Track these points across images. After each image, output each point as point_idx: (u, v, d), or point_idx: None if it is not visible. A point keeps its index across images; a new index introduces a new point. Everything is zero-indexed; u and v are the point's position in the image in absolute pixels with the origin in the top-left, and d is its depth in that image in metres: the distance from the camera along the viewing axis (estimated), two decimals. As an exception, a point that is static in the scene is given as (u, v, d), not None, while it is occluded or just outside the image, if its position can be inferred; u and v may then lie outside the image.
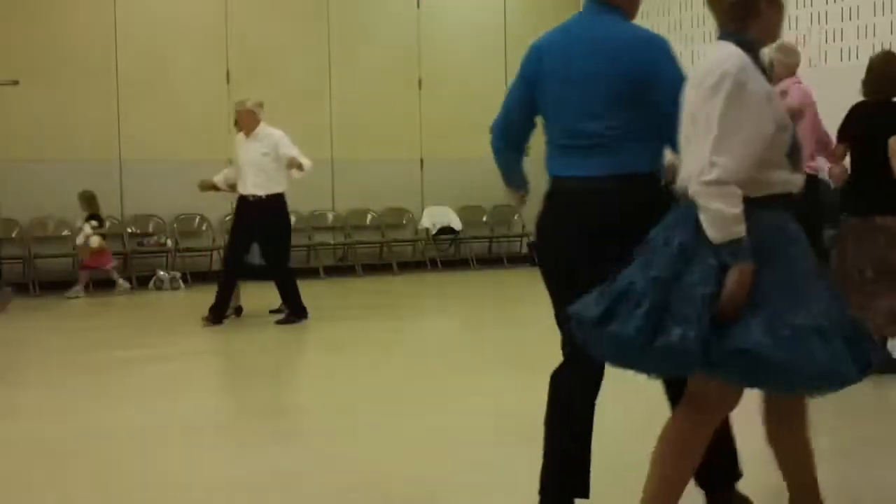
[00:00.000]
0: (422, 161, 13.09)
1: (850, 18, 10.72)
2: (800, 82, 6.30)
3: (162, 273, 11.05)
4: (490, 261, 13.29)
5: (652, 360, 2.55)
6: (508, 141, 3.28)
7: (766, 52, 5.81)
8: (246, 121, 8.17)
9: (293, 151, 8.07)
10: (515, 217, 13.56)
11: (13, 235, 10.89)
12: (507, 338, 7.47)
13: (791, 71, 6.29)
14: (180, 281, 11.08)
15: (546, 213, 3.10)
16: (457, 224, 12.97)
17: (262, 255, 8.31)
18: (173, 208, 11.40)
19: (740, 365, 2.44)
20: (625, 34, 2.99)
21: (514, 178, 3.38)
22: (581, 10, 3.18)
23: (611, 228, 2.90)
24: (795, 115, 5.05)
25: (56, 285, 10.59)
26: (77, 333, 8.05)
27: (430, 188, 13.09)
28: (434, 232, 12.89)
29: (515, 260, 13.35)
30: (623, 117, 2.92)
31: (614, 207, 2.92)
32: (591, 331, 2.62)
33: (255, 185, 8.04)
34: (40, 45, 10.83)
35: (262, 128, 8.16)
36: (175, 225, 11.60)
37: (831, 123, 5.97)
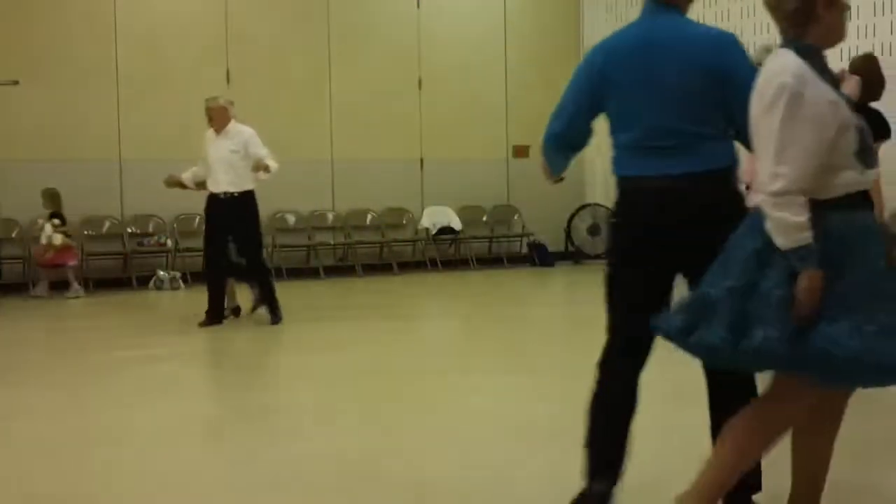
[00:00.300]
0: (422, 161, 13.09)
1: (850, 18, 10.71)
2: None
3: (162, 273, 11.06)
4: (490, 261, 13.30)
5: (743, 361, 2.64)
6: (566, 145, 3.28)
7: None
8: (218, 118, 8.12)
9: (262, 151, 8.01)
10: (515, 217, 13.58)
11: (13, 235, 10.89)
12: (508, 338, 7.47)
13: None
14: (180, 281, 11.08)
15: (619, 213, 3.13)
16: (457, 224, 12.98)
17: (239, 253, 8.21)
18: (173, 208, 11.38)
19: (822, 365, 2.50)
20: (694, 31, 3.02)
21: (559, 168, 3.39)
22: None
23: (685, 228, 2.93)
24: None
25: (56, 285, 10.60)
26: (77, 333, 8.05)
27: (430, 188, 13.10)
28: (434, 232, 12.89)
29: (515, 260, 13.37)
30: (698, 115, 2.95)
31: (690, 207, 2.94)
32: (680, 341, 2.69)
33: (227, 183, 7.98)
34: (40, 45, 10.84)
35: (233, 125, 8.11)
36: (175, 225, 11.61)
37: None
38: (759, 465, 3.10)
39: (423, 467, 4.02)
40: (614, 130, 3.12)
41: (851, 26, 10.63)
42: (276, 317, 8.14)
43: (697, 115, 2.95)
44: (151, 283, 10.99)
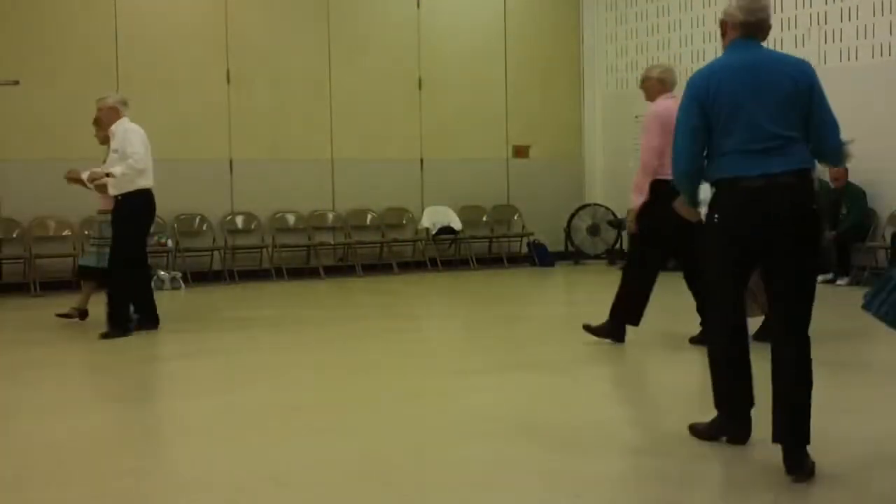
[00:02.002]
0: (422, 161, 13.10)
1: (850, 19, 10.72)
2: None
3: (162, 273, 11.04)
4: (490, 261, 13.30)
5: None
6: (696, 164, 3.89)
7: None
8: (104, 119, 7.69)
9: (132, 148, 7.42)
10: (515, 217, 13.58)
11: (13, 235, 10.89)
12: (508, 337, 7.47)
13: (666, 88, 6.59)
14: (180, 281, 11.08)
15: (730, 208, 3.75)
16: (457, 224, 12.98)
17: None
18: (173, 208, 11.38)
19: None
20: (782, 57, 3.91)
21: (696, 196, 4.06)
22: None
23: (792, 216, 3.61)
24: None
25: (56, 285, 10.60)
26: (77, 333, 8.04)
27: (430, 188, 13.11)
28: (434, 232, 12.90)
29: (515, 260, 13.37)
30: (791, 121, 3.70)
31: (794, 197, 3.63)
32: None
33: (112, 185, 7.47)
34: (40, 45, 10.84)
35: (118, 125, 7.59)
36: (175, 225, 11.61)
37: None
38: (808, 416, 3.58)
39: (422, 467, 4.03)
40: (719, 137, 3.77)
41: (851, 26, 10.71)
42: (115, 330, 7.40)
43: (790, 122, 3.69)
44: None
